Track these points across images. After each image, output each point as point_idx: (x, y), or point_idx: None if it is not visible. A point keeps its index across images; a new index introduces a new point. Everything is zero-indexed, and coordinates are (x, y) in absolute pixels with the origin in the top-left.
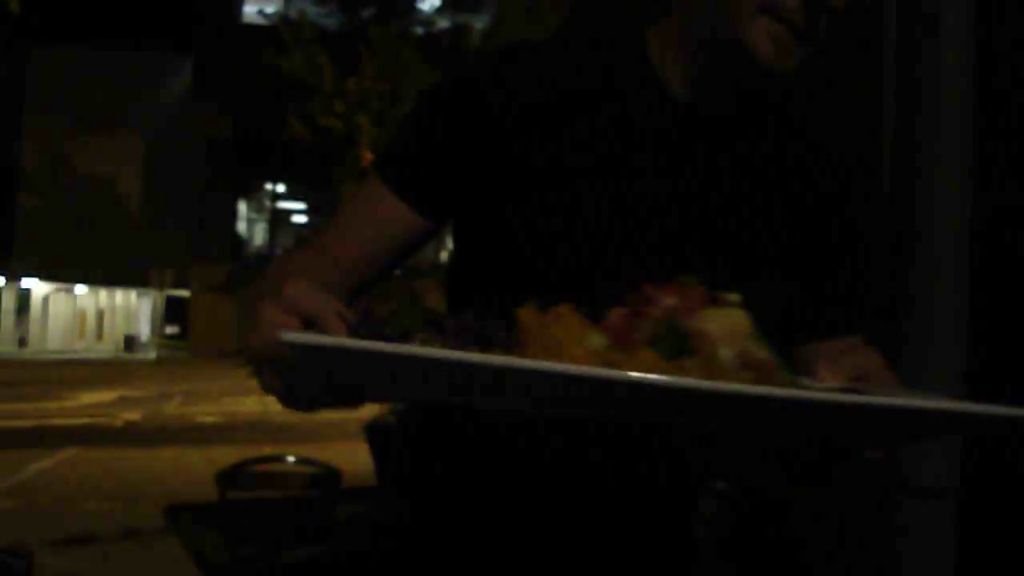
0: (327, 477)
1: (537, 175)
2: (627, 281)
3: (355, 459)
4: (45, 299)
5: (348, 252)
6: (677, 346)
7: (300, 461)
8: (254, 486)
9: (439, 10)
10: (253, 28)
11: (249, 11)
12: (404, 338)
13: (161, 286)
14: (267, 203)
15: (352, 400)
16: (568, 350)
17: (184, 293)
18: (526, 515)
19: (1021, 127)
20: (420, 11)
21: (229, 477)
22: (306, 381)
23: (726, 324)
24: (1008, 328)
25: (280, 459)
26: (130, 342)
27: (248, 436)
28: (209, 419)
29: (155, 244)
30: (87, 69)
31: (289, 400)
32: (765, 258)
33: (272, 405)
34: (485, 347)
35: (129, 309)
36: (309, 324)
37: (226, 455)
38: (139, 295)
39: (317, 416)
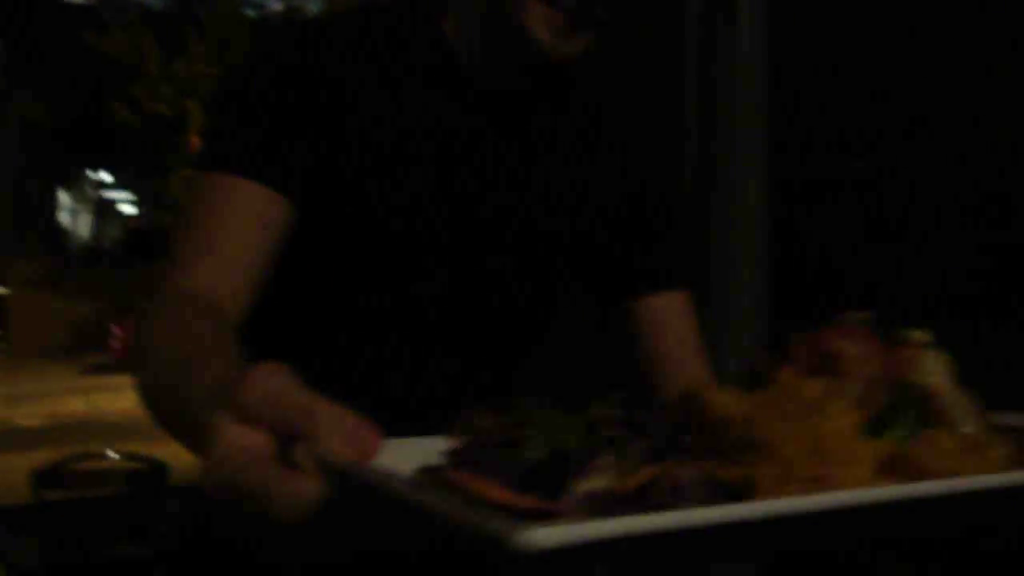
0: (153, 472)
1: (348, 156)
2: (444, 270)
3: (185, 453)
4: None
5: (237, 262)
6: (928, 416)
7: (124, 456)
8: (74, 485)
9: None
10: (71, 7)
11: None
12: (566, 464)
13: None
14: (91, 193)
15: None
16: (864, 456)
17: (2, 290)
18: None
19: (810, 107)
20: None
21: (45, 477)
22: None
23: (947, 373)
24: (805, 299)
25: (102, 455)
26: None
27: (75, 437)
28: (31, 422)
29: None
30: None
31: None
32: (573, 234)
33: (101, 404)
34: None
35: None
36: (287, 436)
37: (50, 458)
38: None
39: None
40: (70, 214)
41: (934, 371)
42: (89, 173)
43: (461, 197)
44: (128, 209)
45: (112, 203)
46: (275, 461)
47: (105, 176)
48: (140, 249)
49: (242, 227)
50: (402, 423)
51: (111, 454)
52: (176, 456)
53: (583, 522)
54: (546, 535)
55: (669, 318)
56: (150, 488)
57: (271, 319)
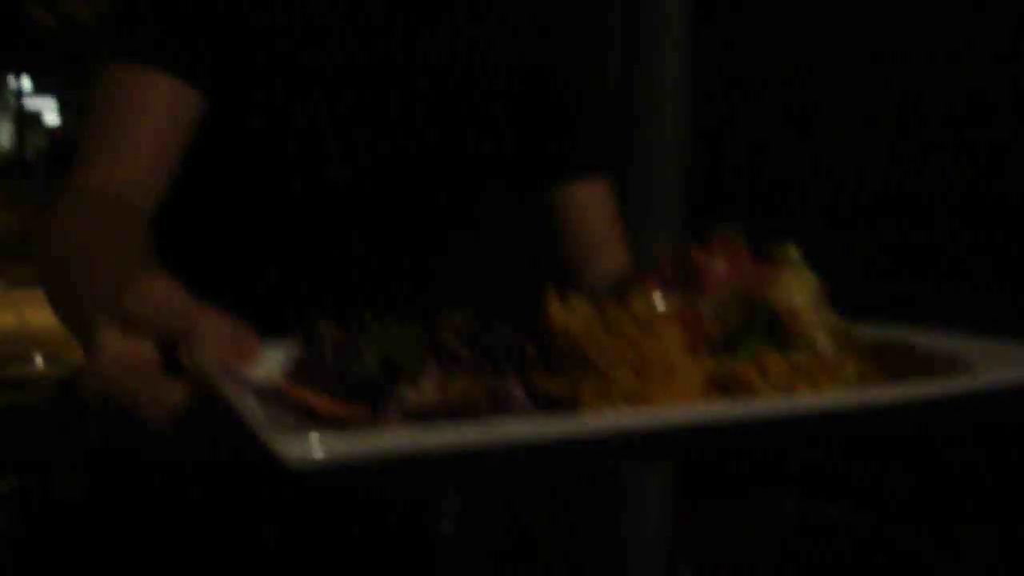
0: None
1: (259, 40)
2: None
3: None
4: None
5: (147, 157)
6: (779, 335)
7: (50, 363)
8: (1, 393)
9: None
10: None
11: None
12: (395, 376)
13: None
14: (11, 101)
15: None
16: (687, 374)
17: None
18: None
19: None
20: None
21: None
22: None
23: (808, 293)
24: (725, 174)
25: (27, 360)
26: None
27: (5, 349)
28: None
29: None
30: None
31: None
32: (500, 106)
33: (31, 317)
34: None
35: None
36: (170, 346)
37: None
38: None
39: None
40: None
41: (796, 290)
42: (10, 80)
43: (378, 70)
44: (52, 118)
45: (35, 114)
46: (150, 368)
47: (26, 83)
48: (65, 160)
49: (151, 121)
50: (317, 315)
51: (37, 360)
52: None
53: (355, 435)
54: (302, 450)
55: (589, 206)
56: (76, 392)
57: (181, 214)
